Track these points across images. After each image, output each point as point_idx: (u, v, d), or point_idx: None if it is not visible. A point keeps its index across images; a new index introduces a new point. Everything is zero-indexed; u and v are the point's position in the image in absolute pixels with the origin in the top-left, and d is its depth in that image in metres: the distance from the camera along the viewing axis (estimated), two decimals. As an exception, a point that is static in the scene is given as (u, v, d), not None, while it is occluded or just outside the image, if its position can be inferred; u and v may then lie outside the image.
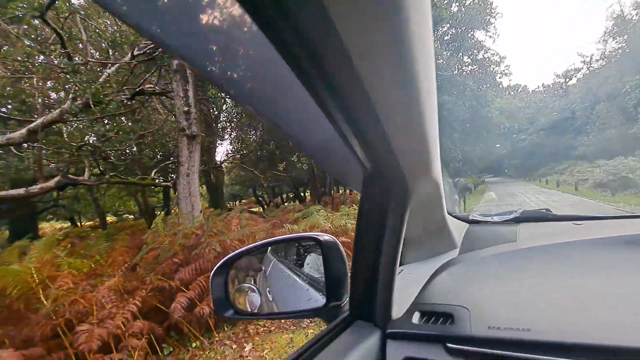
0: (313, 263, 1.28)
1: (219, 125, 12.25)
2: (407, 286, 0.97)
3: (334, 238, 0.94)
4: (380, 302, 0.79)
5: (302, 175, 15.90)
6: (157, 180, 8.93)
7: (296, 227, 5.22)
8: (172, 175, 10.97)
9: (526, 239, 1.19)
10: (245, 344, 3.88)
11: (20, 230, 8.71)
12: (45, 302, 2.86)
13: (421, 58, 0.37)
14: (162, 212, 14.78)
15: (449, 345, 0.66)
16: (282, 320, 4.48)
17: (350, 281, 0.83)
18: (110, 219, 15.29)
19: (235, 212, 5.32)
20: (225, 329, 4.31)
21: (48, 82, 7.37)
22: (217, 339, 4.09)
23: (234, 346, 3.91)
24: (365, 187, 0.70)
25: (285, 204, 20.11)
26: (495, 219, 1.35)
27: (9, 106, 8.47)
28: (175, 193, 14.20)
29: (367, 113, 0.43)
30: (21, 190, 6.40)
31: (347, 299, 0.89)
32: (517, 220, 1.33)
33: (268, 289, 1.03)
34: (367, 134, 0.49)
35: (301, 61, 0.33)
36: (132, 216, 17.46)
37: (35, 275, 2.91)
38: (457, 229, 1.26)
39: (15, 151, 6.90)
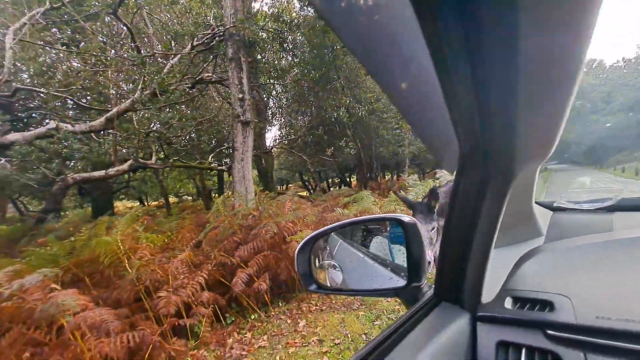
0: (378, 245, 1.30)
1: (268, 111, 12.60)
2: (491, 271, 0.95)
3: (415, 220, 0.94)
4: (470, 285, 0.79)
5: (349, 160, 15.85)
6: (213, 165, 9.50)
7: (347, 211, 5.26)
8: (226, 160, 11.61)
9: (625, 228, 1.08)
10: (299, 320, 4.07)
11: (100, 208, 9.89)
12: (129, 270, 3.26)
13: None
14: (217, 195, 15.79)
15: (550, 332, 0.64)
16: (333, 301, 4.63)
17: (437, 263, 0.84)
18: (172, 199, 16.70)
19: (287, 196, 5.50)
20: (280, 304, 4.55)
21: (120, 74, 8.10)
22: (273, 313, 4.35)
23: (289, 321, 4.12)
24: (462, 166, 0.69)
25: (331, 188, 20.28)
26: (585, 206, 1.24)
27: (88, 97, 9.50)
28: (229, 177, 15.05)
29: (504, 73, 0.38)
30: (101, 172, 7.23)
31: (425, 280, 0.91)
32: (612, 209, 1.21)
33: (346, 267, 1.07)
34: (486, 104, 0.46)
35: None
36: (190, 198, 18.92)
37: (121, 246, 3.32)
38: (542, 216, 1.19)
39: (94, 137, 7.77)
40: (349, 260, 1.12)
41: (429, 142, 0.80)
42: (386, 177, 23.10)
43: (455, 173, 0.73)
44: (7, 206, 10.92)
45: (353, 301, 4.61)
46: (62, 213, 8.34)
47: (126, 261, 3.29)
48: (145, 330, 3.00)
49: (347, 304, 4.51)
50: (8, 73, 5.67)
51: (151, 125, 8.48)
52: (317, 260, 1.05)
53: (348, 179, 21.46)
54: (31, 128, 7.66)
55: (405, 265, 1.07)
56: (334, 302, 4.58)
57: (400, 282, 1.00)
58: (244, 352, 3.48)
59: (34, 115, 8.14)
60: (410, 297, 0.97)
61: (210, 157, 9.83)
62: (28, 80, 7.49)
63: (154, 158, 8.10)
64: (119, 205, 16.61)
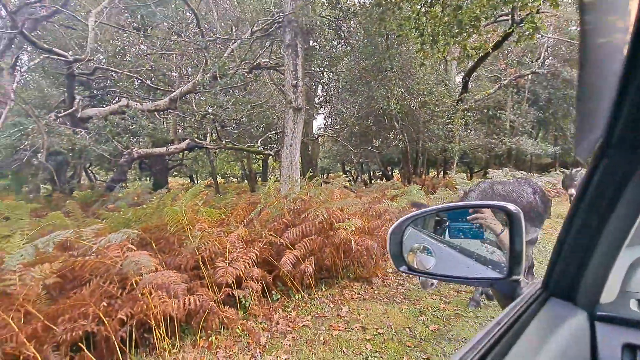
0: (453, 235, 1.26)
1: (317, 99, 12.67)
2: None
3: (520, 210, 0.90)
4: (590, 282, 0.73)
5: (394, 154, 15.49)
6: (261, 149, 9.80)
7: (395, 204, 5.18)
8: (273, 145, 11.92)
9: None
10: (342, 306, 4.12)
11: (158, 182, 10.70)
12: (191, 239, 3.50)
13: None
14: (260, 179, 16.33)
15: None
16: (376, 292, 4.62)
17: (552, 254, 0.79)
18: (218, 180, 17.59)
19: (335, 184, 5.53)
20: (323, 289, 4.64)
21: (183, 58, 8.58)
22: (316, 296, 4.45)
23: (332, 305, 4.19)
24: (599, 156, 0.63)
25: (372, 181, 20.04)
26: None
27: (153, 78, 10.20)
28: (275, 161, 15.49)
29: None
30: (162, 149, 7.78)
31: (523, 274, 0.87)
32: None
33: (436, 253, 1.05)
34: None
35: None
36: (235, 179, 19.80)
37: (185, 217, 3.57)
38: None
39: (157, 116, 8.36)
40: (435, 246, 1.10)
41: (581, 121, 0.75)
42: (430, 174, 22.31)
43: (592, 159, 0.67)
44: (81, 174, 12.19)
45: (396, 294, 4.57)
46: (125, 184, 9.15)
47: (188, 231, 3.54)
48: (202, 296, 3.22)
49: (390, 296, 4.48)
50: (90, 53, 6.25)
51: (206, 108, 8.92)
52: (408, 243, 1.05)
53: (390, 173, 21.06)
54: (104, 105, 8.41)
55: (490, 258, 1.03)
56: (376, 292, 4.57)
57: (494, 273, 0.97)
58: (288, 329, 3.61)
59: (107, 93, 8.93)
60: (507, 290, 0.94)
61: (259, 141, 10.14)
62: (104, 61, 8.21)
63: (208, 139, 8.54)
64: (171, 181, 17.86)
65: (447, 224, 1.25)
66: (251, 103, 8.80)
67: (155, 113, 8.17)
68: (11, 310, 2.59)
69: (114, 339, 2.84)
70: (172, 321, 3.16)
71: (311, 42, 8.68)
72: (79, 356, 2.77)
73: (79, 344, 2.75)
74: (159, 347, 3.05)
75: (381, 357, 2.99)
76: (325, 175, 25.06)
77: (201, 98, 8.84)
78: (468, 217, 1.04)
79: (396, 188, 7.34)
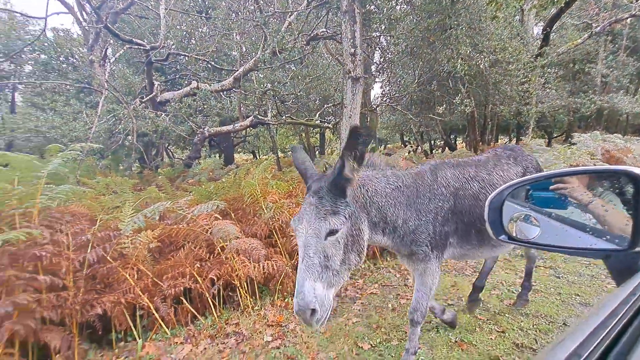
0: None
1: (373, 66, 12.16)
2: None
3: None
4: None
5: (458, 120, 14.40)
6: (319, 122, 9.86)
7: (464, 173, 4.90)
8: (329, 118, 11.90)
9: None
10: (408, 276, 4.16)
11: (227, 158, 11.51)
12: (265, 209, 3.78)
13: None
14: (319, 152, 16.57)
15: None
16: (444, 264, 4.53)
17: None
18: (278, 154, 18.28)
19: (398, 155, 5.39)
20: (388, 259, 4.70)
21: (243, 36, 8.80)
22: (382, 265, 4.54)
23: (397, 275, 4.25)
24: None
25: (433, 151, 19.04)
26: None
27: (216, 59, 10.70)
28: (333, 134, 15.53)
29: None
30: (229, 127, 8.27)
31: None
32: None
33: (543, 222, 1.00)
34: None
35: None
36: (294, 154, 20.32)
37: (258, 189, 3.85)
38: None
39: (223, 96, 8.83)
40: (539, 215, 1.05)
41: None
42: (499, 140, 20.40)
43: None
44: (163, 153, 13.65)
45: (465, 267, 4.46)
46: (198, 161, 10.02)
47: (262, 202, 3.81)
48: (278, 261, 3.50)
49: (459, 269, 4.39)
50: (163, 39, 6.75)
51: (266, 85, 9.15)
52: (503, 212, 1.01)
53: (454, 142, 19.74)
54: (178, 88, 9.13)
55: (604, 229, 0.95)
56: (444, 264, 4.50)
57: (611, 245, 0.89)
58: (357, 295, 3.77)
59: (179, 77, 9.65)
60: (626, 263, 0.86)
61: (317, 114, 10.19)
62: (173, 46, 8.80)
63: (269, 115, 8.83)
64: (236, 157, 19.07)
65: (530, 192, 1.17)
66: (309, 76, 8.79)
67: (221, 93, 8.64)
68: (127, 268, 3.12)
69: (206, 295, 3.28)
70: (252, 283, 3.52)
71: (369, 5, 8.23)
72: (180, 307, 3.26)
73: (180, 297, 3.22)
74: (243, 305, 3.43)
75: (451, 327, 2.99)
76: (383, 147, 24.44)
77: (260, 75, 9.07)
78: (551, 187, 0.97)
79: (463, 157, 6.88)
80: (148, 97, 6.89)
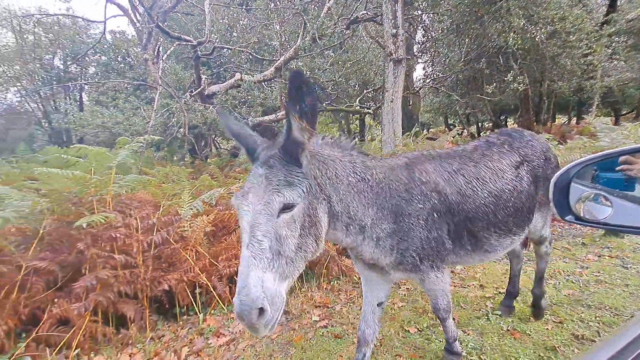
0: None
1: (415, 47, 11.66)
2: None
3: None
4: None
5: (510, 100, 13.36)
6: (359, 108, 9.74)
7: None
8: (369, 103, 11.69)
9: None
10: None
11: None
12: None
13: None
14: (358, 138, 16.41)
15: None
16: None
17: None
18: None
19: (443, 139, 5.19)
20: (433, 245, 4.62)
21: (282, 26, 8.88)
22: (427, 252, 4.48)
23: (444, 262, 4.18)
24: None
25: (481, 134, 17.95)
26: None
27: (258, 50, 10.93)
28: (373, 120, 15.30)
29: None
30: (272, 116, 8.49)
31: None
32: None
33: (615, 202, 0.95)
34: None
35: None
36: (334, 141, 20.35)
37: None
38: None
39: (265, 86, 9.04)
40: (610, 195, 0.99)
41: None
42: (557, 120, 18.63)
43: None
44: (211, 144, 14.43)
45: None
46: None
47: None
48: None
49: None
50: (208, 34, 7.04)
51: (306, 72, 9.19)
52: (570, 192, 0.97)
53: (504, 123, 18.40)
54: (223, 80, 9.52)
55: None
56: (494, 251, 4.33)
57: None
58: (401, 280, 3.79)
59: (224, 69, 10.04)
60: None
61: (356, 100, 10.08)
62: (217, 40, 9.14)
63: (310, 102, 8.89)
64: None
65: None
66: (349, 61, 8.68)
67: (264, 83, 8.86)
68: (187, 249, 3.42)
69: (258, 277, 3.50)
70: (299, 266, 3.68)
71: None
72: (234, 286, 3.52)
73: (234, 277, 3.47)
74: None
75: (503, 316, 2.90)
76: (426, 130, 23.54)
77: (299, 63, 9.12)
78: (617, 168, 0.91)
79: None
80: (197, 91, 7.29)
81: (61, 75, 15.72)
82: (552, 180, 0.94)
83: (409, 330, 2.78)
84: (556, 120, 18.22)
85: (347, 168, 1.59)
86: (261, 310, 1.10)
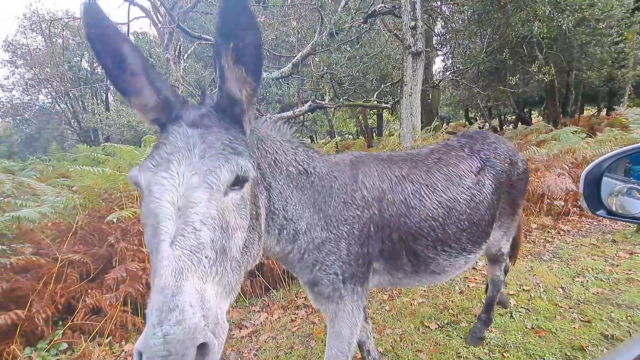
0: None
1: (434, 39, 11.39)
2: None
3: None
4: None
5: (535, 91, 12.85)
6: (377, 103, 9.64)
7: (543, 150, 4.45)
8: (387, 98, 11.54)
9: None
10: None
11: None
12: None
13: None
14: (376, 134, 16.27)
15: None
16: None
17: None
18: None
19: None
20: (454, 241, 4.55)
21: (299, 22, 8.89)
22: (447, 248, 4.42)
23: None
24: None
25: (504, 127, 17.37)
26: None
27: (276, 47, 10.98)
28: (391, 115, 15.11)
29: None
30: (290, 113, 8.53)
31: None
32: None
33: None
34: None
35: None
36: (351, 136, 20.32)
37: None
38: None
39: (282, 82, 9.09)
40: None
41: None
42: (585, 112, 17.75)
43: None
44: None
45: (542, 251, 4.13)
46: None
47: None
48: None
49: (536, 253, 4.08)
50: (227, 33, 7.12)
51: (323, 68, 9.17)
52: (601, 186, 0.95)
53: (528, 116, 17.73)
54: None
55: None
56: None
57: None
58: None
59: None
60: None
61: (374, 95, 9.98)
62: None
63: (327, 98, 8.89)
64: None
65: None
66: (366, 55, 8.59)
67: (281, 79, 8.91)
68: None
69: (277, 270, 3.58)
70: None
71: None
72: (255, 280, 3.61)
73: (255, 271, 3.56)
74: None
75: (528, 313, 2.84)
76: (445, 124, 23.01)
77: (316, 58, 9.11)
78: None
79: (547, 131, 6.14)
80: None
81: (88, 76, 16.38)
82: (582, 174, 0.92)
83: (429, 326, 2.76)
84: (584, 111, 17.37)
85: (288, 154, 1.30)
86: (202, 347, 0.66)
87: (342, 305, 1.47)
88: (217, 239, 0.79)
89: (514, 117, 17.65)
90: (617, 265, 3.56)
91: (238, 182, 0.86)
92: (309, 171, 1.35)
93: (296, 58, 7.48)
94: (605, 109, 17.43)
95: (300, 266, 1.40)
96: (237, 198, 0.87)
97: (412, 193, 1.58)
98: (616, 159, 0.92)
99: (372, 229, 1.48)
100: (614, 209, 0.92)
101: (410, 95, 7.03)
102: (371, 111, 15.15)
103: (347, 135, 20.13)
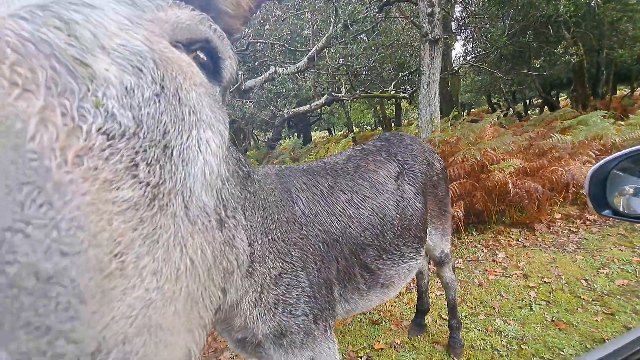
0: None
1: (453, 23, 11.01)
2: None
3: None
4: None
5: (562, 73, 12.21)
6: (394, 93, 9.51)
7: (567, 137, 4.31)
8: (405, 87, 11.34)
9: None
10: (497, 252, 3.97)
11: (304, 137, 12.04)
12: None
13: None
14: (394, 124, 16.05)
15: None
16: (539, 239, 4.19)
17: None
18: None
19: (486, 120, 4.97)
20: (473, 233, 4.52)
21: (314, 14, 8.85)
22: (467, 240, 4.40)
23: (485, 250, 4.09)
24: None
25: (529, 112, 16.67)
26: None
27: (291, 41, 10.98)
28: (409, 104, 14.85)
29: None
30: (306, 107, 8.59)
31: None
32: None
33: None
34: None
35: None
36: (369, 127, 20.14)
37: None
38: None
39: (298, 76, 9.13)
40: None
41: None
42: (617, 92, 16.70)
43: None
44: (249, 137, 14.99)
45: (566, 242, 4.04)
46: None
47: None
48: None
49: (559, 245, 4.00)
50: (243, 30, 7.22)
51: (338, 60, 9.11)
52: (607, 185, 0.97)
53: (556, 99, 16.88)
54: (257, 75, 9.75)
55: None
56: (540, 240, 4.15)
57: None
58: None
59: (258, 64, 10.27)
60: None
61: (391, 85, 9.85)
62: (251, 35, 9.33)
63: (343, 91, 8.86)
64: (313, 135, 19.76)
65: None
66: (382, 45, 8.46)
67: (297, 74, 8.95)
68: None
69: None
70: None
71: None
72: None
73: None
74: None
75: (548, 306, 2.82)
76: (467, 112, 22.28)
77: (331, 50, 9.05)
78: None
79: (573, 117, 5.85)
80: (234, 87, 7.58)
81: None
82: (589, 174, 0.95)
83: (446, 319, 2.81)
84: (617, 92, 16.34)
85: (233, 154, 0.93)
86: None
87: (318, 349, 1.22)
88: None
89: (539, 100, 16.85)
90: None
91: None
92: (251, 176, 1.05)
93: (311, 52, 7.48)
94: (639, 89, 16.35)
95: (259, 311, 1.05)
96: None
97: (346, 202, 1.46)
98: (623, 158, 0.93)
99: (322, 248, 1.31)
100: (620, 209, 0.94)
101: (428, 85, 6.89)
102: (389, 101, 14.94)
103: (365, 126, 19.96)
